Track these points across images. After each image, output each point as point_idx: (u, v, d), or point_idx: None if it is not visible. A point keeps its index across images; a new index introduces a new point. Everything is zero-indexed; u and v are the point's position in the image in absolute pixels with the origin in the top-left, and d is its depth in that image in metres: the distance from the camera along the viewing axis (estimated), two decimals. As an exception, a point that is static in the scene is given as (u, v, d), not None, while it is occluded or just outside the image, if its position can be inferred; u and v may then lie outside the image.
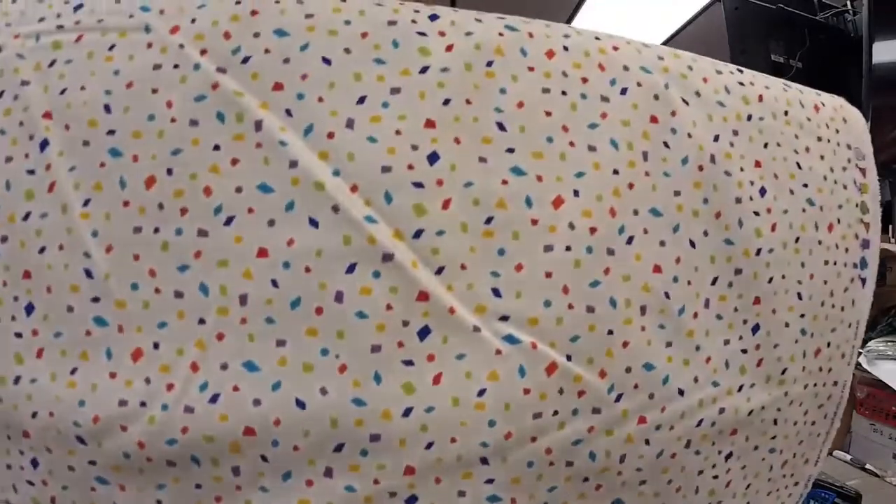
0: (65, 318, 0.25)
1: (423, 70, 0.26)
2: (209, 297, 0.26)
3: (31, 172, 0.26)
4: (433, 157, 0.26)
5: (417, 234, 0.26)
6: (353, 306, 0.26)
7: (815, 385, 0.32)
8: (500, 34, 0.28)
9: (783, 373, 0.30)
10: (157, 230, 0.25)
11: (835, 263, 0.32)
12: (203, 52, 0.26)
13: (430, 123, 0.26)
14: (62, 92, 0.26)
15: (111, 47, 0.26)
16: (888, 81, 1.42)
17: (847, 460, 1.30)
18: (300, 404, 0.25)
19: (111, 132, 0.26)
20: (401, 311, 0.26)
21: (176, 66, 0.26)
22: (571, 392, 0.27)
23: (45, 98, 0.26)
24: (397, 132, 0.25)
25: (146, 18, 0.26)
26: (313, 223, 0.26)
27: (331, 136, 0.25)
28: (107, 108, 0.26)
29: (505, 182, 0.26)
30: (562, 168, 0.27)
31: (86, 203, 0.26)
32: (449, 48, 0.27)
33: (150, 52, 0.26)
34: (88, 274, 0.25)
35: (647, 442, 0.27)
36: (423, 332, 0.26)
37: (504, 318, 0.26)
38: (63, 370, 0.25)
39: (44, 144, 0.26)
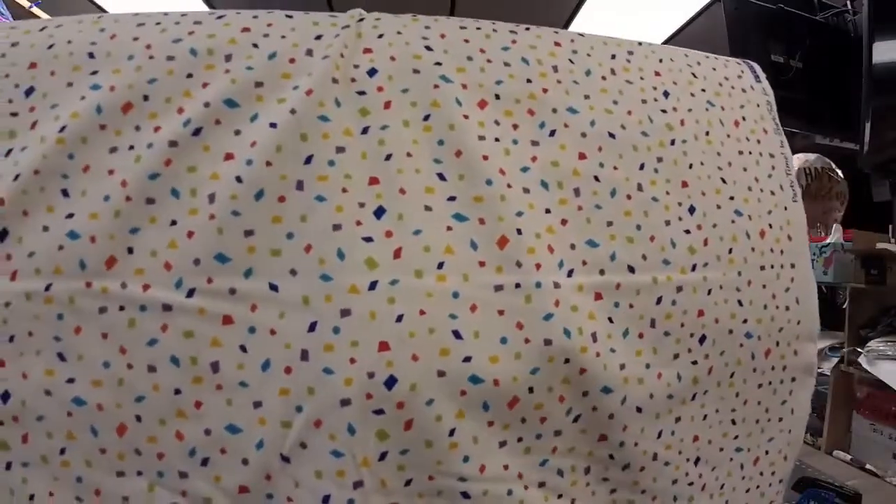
0: None
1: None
2: (180, 199, 0.27)
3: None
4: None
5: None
6: (312, 192, 0.28)
7: (773, 267, 0.33)
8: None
9: (730, 252, 0.32)
10: (131, 147, 0.28)
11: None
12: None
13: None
14: None
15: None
16: (888, 81, 1.42)
17: (847, 460, 1.30)
18: (273, 287, 0.27)
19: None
20: (356, 193, 0.28)
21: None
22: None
23: None
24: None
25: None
26: (273, 125, 0.28)
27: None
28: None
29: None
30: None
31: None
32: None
33: None
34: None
35: (610, 320, 0.29)
36: (379, 211, 0.28)
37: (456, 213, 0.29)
38: None
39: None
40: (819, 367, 1.41)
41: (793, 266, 0.34)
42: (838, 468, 1.26)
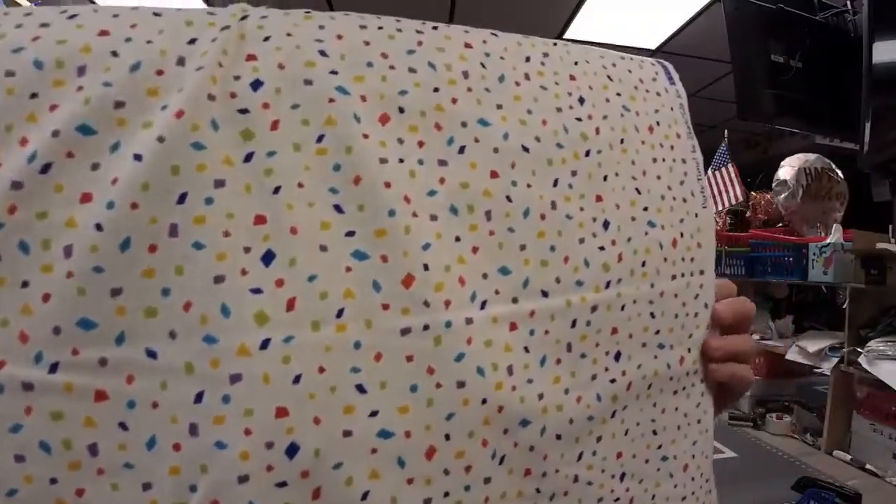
0: None
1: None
2: (30, 254, 0.23)
3: None
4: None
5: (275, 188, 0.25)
6: (188, 237, 0.24)
7: (683, 275, 0.33)
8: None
9: (644, 265, 0.31)
10: None
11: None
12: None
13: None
14: None
15: None
16: (888, 81, 1.42)
17: (847, 460, 1.30)
18: (151, 354, 0.23)
19: None
20: (240, 236, 0.24)
21: None
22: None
23: None
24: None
25: None
26: (137, 158, 0.23)
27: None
28: None
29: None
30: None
31: None
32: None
33: None
34: None
35: (526, 349, 0.27)
36: (268, 257, 0.24)
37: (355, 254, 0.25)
38: None
39: None
40: (819, 367, 1.41)
41: (702, 273, 0.34)
42: (838, 468, 1.26)
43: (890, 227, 1.53)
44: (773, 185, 1.67)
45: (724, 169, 1.83)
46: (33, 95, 0.25)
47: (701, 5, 2.57)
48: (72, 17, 0.27)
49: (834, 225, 1.50)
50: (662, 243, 0.32)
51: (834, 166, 1.69)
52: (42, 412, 0.23)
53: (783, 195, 1.63)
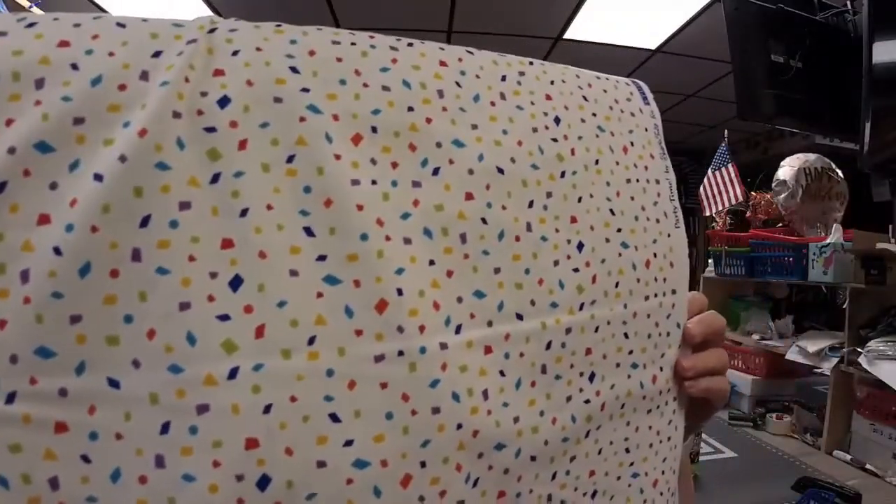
0: None
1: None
2: None
3: None
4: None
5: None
6: (151, 262, 0.23)
7: (657, 296, 0.33)
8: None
9: (617, 286, 0.31)
10: None
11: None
12: None
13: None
14: None
15: None
16: (888, 81, 1.42)
17: (847, 460, 1.30)
18: (113, 384, 0.23)
19: None
20: (207, 260, 0.23)
21: None
22: None
23: None
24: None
25: None
26: (98, 178, 0.23)
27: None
28: None
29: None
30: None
31: None
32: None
33: None
34: None
35: (501, 373, 0.27)
36: (235, 282, 0.24)
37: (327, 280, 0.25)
38: None
39: None
40: (819, 367, 1.41)
41: (674, 292, 0.34)
42: (838, 468, 1.26)
43: (890, 227, 1.53)
44: (773, 185, 1.67)
45: (724, 169, 1.83)
46: None
47: (701, 5, 2.57)
48: (30, 25, 0.26)
49: (834, 225, 1.50)
50: (636, 264, 0.33)
51: (834, 166, 1.69)
52: None
53: (783, 195, 1.63)
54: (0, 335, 0.23)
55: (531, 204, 0.30)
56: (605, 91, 0.36)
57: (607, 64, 3.23)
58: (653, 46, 3.00)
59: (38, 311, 0.23)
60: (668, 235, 0.35)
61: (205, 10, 2.63)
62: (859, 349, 1.27)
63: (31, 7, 1.53)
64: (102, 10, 2.68)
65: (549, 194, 0.31)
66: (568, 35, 2.91)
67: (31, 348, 0.23)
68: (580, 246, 0.31)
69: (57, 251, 0.23)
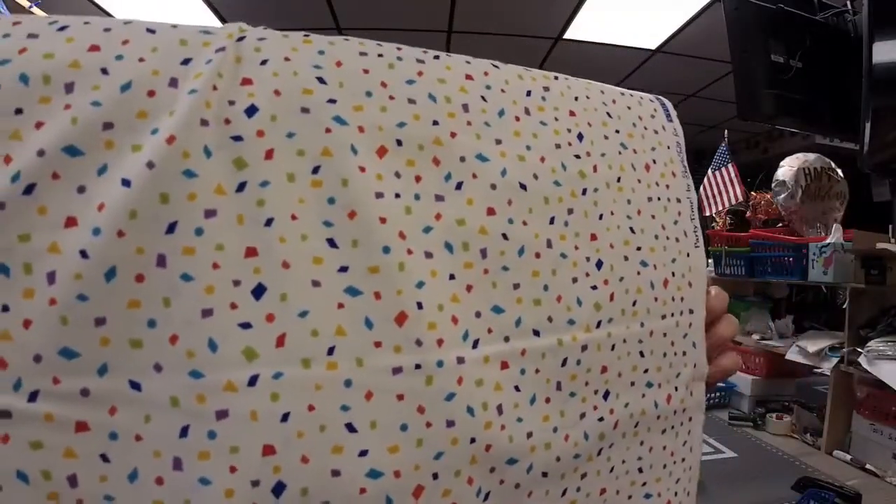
0: None
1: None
2: (11, 278, 0.23)
3: None
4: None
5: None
6: (176, 269, 0.23)
7: (673, 315, 0.33)
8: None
9: (634, 304, 0.31)
10: None
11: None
12: None
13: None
14: None
15: None
16: (888, 81, 1.42)
17: (847, 460, 1.30)
18: (135, 386, 0.23)
19: None
20: (230, 268, 0.24)
21: None
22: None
23: None
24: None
25: None
26: (125, 183, 0.23)
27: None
28: None
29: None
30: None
31: None
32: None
33: None
34: None
35: (517, 388, 0.28)
36: (258, 291, 0.24)
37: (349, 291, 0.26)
38: None
39: None
40: (819, 367, 1.41)
41: (691, 312, 0.34)
42: (838, 468, 1.26)
43: (890, 227, 1.53)
44: (773, 185, 1.67)
45: (724, 169, 1.83)
46: (18, 111, 0.24)
47: (701, 5, 2.58)
48: (62, 28, 0.26)
49: (834, 225, 1.50)
50: (654, 283, 0.33)
51: (834, 166, 1.69)
52: (20, 441, 0.23)
53: (782, 195, 1.63)
54: (24, 335, 0.23)
55: (552, 220, 0.30)
56: (628, 108, 0.36)
57: (607, 64, 3.23)
58: (653, 46, 3.00)
59: (63, 313, 0.23)
60: (688, 255, 0.35)
61: (205, 10, 2.63)
62: (859, 349, 1.27)
63: (31, 7, 1.53)
64: (102, 11, 2.68)
65: (570, 211, 0.31)
66: (568, 35, 2.91)
67: (55, 349, 0.23)
68: (599, 264, 0.31)
69: (83, 254, 0.23)
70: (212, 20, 2.65)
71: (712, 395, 1.68)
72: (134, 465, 0.24)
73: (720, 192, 1.83)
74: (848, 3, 1.74)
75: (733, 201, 1.80)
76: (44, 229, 0.24)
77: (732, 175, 1.80)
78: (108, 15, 2.72)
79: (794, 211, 1.63)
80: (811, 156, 1.68)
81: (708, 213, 1.93)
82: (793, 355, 1.46)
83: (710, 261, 1.94)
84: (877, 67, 1.43)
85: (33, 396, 0.23)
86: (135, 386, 0.24)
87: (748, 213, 1.85)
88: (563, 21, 2.79)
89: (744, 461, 1.29)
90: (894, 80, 1.41)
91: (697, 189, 2.08)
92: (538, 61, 3.13)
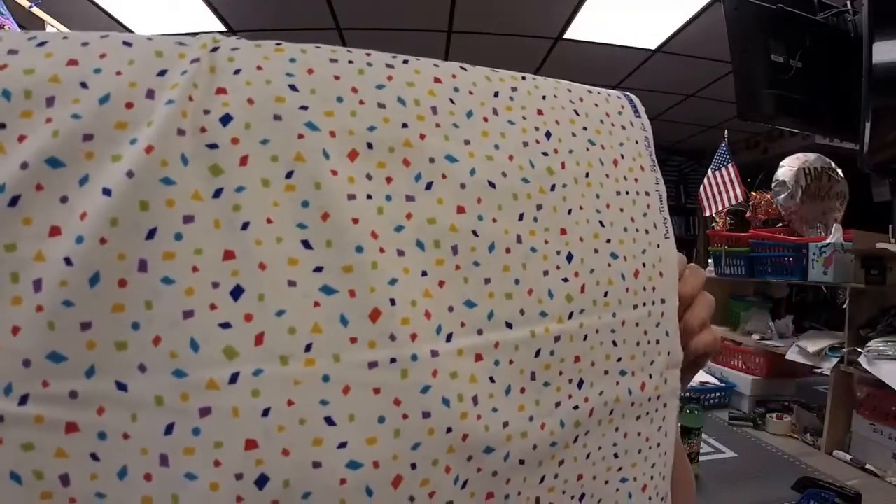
0: None
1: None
2: None
3: None
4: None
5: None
6: (157, 273, 0.24)
7: (645, 304, 0.34)
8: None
9: (606, 295, 0.32)
10: None
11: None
12: None
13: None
14: None
15: None
16: (888, 81, 1.42)
17: (847, 460, 1.30)
18: (121, 387, 0.24)
19: None
20: (209, 271, 0.25)
21: None
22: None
23: None
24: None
25: None
26: (106, 192, 0.24)
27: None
28: None
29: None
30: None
31: None
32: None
33: None
34: None
35: (491, 379, 0.28)
36: (236, 292, 0.25)
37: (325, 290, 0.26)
38: None
39: None
40: (819, 367, 1.41)
41: (663, 301, 0.35)
42: (838, 468, 1.26)
43: (890, 227, 1.53)
44: (773, 185, 1.67)
45: (724, 169, 1.83)
46: (1, 126, 0.25)
47: (701, 5, 2.58)
48: (41, 44, 0.27)
49: (834, 225, 1.50)
50: (625, 274, 0.33)
51: (834, 166, 1.69)
52: (12, 443, 0.24)
53: (782, 195, 1.63)
54: (13, 341, 0.24)
55: (521, 216, 0.31)
56: (596, 105, 0.37)
57: (607, 64, 3.24)
58: (653, 46, 3.00)
59: (50, 319, 0.24)
60: (658, 246, 0.36)
61: (205, 10, 2.64)
62: (859, 349, 1.27)
63: (31, 7, 1.54)
64: (102, 11, 2.68)
65: (539, 207, 0.32)
66: (568, 35, 2.91)
67: (43, 353, 0.24)
68: (569, 257, 0.32)
69: (68, 262, 0.24)
70: (212, 20, 2.65)
71: (712, 395, 1.68)
72: (123, 463, 0.24)
73: (720, 192, 1.83)
74: (848, 3, 1.74)
75: (733, 201, 1.80)
76: (29, 239, 0.24)
77: (732, 175, 1.80)
78: (108, 15, 2.73)
79: (794, 211, 1.63)
80: (811, 156, 1.68)
81: (708, 213, 1.93)
82: (793, 355, 1.46)
83: (710, 261, 1.95)
84: (877, 67, 1.43)
85: (24, 400, 0.24)
86: (121, 387, 0.24)
87: (748, 213, 1.85)
88: (562, 21, 2.79)
89: (744, 461, 1.29)
90: (894, 80, 1.41)
91: (697, 189, 2.08)
92: (538, 61, 3.13)
